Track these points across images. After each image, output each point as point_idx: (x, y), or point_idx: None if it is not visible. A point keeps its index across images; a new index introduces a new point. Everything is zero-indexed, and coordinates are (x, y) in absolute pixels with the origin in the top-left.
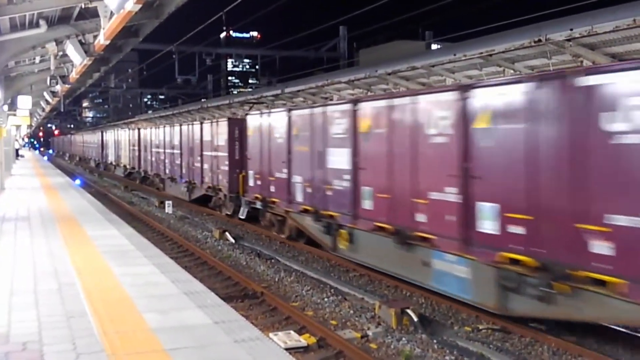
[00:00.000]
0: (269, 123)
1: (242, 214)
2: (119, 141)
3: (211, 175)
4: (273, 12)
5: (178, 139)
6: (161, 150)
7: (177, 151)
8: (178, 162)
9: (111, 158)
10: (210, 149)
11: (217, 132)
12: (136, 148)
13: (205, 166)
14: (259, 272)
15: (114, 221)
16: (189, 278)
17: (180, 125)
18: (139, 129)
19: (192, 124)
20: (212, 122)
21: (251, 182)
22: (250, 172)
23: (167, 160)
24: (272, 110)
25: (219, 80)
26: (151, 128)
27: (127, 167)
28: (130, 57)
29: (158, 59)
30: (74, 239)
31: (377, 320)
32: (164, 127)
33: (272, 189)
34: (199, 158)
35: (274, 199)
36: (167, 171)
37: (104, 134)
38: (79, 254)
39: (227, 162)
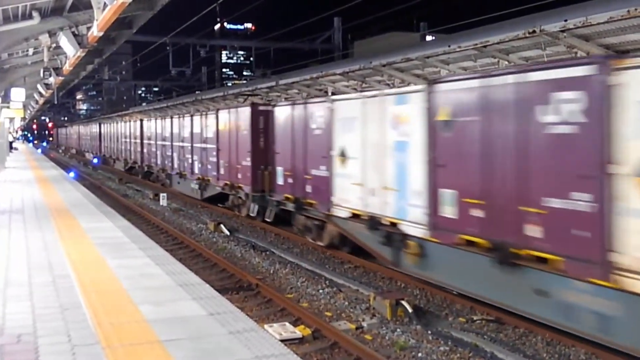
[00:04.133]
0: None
1: None
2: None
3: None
4: (267, 3)
5: None
6: None
7: None
8: None
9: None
10: None
11: None
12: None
13: None
14: (254, 264)
15: (109, 214)
16: (183, 270)
17: None
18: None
19: None
20: None
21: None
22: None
23: None
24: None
25: (214, 72)
26: None
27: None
28: (123, 49)
29: (152, 51)
30: (68, 232)
31: (372, 311)
32: None
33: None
34: None
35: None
36: None
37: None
38: (73, 246)
39: None
